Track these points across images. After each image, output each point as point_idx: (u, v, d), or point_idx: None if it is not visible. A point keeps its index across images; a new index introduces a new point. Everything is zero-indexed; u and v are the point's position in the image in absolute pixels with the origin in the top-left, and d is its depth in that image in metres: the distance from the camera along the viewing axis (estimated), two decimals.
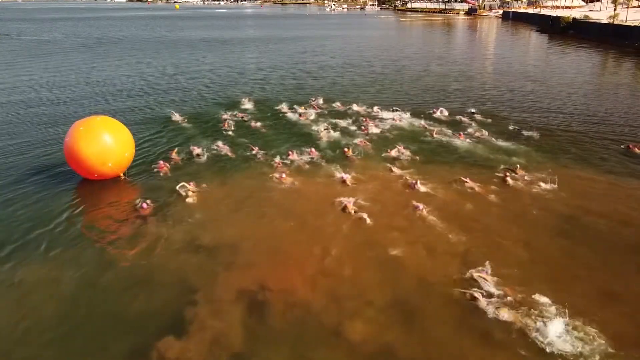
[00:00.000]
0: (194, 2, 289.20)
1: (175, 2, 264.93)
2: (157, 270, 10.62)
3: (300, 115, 23.30)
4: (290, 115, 23.79)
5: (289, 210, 13.43)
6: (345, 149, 17.97)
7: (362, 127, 20.79)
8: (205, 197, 14.31)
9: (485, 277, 9.83)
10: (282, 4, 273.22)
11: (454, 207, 13.31)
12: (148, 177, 16.08)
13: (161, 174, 16.15)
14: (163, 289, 9.96)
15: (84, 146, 14.54)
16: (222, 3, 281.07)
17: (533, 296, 9.28)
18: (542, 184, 14.52)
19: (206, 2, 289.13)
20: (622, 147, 18.09)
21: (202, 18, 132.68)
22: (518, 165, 15.77)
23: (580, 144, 18.78)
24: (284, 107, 25.03)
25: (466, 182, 14.64)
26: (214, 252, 11.29)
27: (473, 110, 23.38)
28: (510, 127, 20.88)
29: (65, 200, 14.25)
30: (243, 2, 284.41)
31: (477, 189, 14.32)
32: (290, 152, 17.60)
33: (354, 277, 10.24)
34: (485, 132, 19.97)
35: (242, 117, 23.21)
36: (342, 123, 21.72)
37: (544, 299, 9.17)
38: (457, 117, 22.65)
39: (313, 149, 17.95)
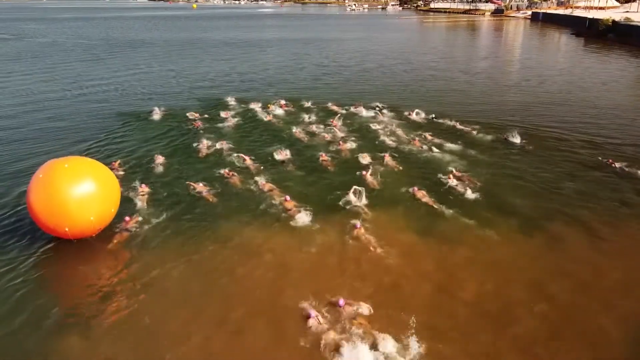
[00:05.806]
0: (214, 2, 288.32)
1: (196, 1, 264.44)
2: None
3: (267, 114, 23.00)
4: (261, 116, 23.01)
5: (265, 304, 9.61)
6: (322, 154, 17.20)
7: (324, 134, 19.88)
8: (161, 279, 10.39)
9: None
10: (302, 3, 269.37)
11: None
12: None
13: None
14: None
15: (37, 200, 11.01)
16: (242, 3, 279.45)
17: None
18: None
19: (227, 2, 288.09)
20: (604, 160, 16.76)
21: (222, 18, 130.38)
22: (453, 170, 15.41)
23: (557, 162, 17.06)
24: (257, 106, 24.50)
25: (415, 192, 14.09)
26: None
27: (433, 116, 22.56)
28: (508, 138, 19.20)
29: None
30: (262, 2, 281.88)
31: (424, 199, 13.70)
32: (244, 157, 16.78)
33: None
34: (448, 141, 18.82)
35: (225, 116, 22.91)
36: (314, 125, 21.11)
37: None
38: (453, 124, 21.34)
39: (285, 151, 17.35)
